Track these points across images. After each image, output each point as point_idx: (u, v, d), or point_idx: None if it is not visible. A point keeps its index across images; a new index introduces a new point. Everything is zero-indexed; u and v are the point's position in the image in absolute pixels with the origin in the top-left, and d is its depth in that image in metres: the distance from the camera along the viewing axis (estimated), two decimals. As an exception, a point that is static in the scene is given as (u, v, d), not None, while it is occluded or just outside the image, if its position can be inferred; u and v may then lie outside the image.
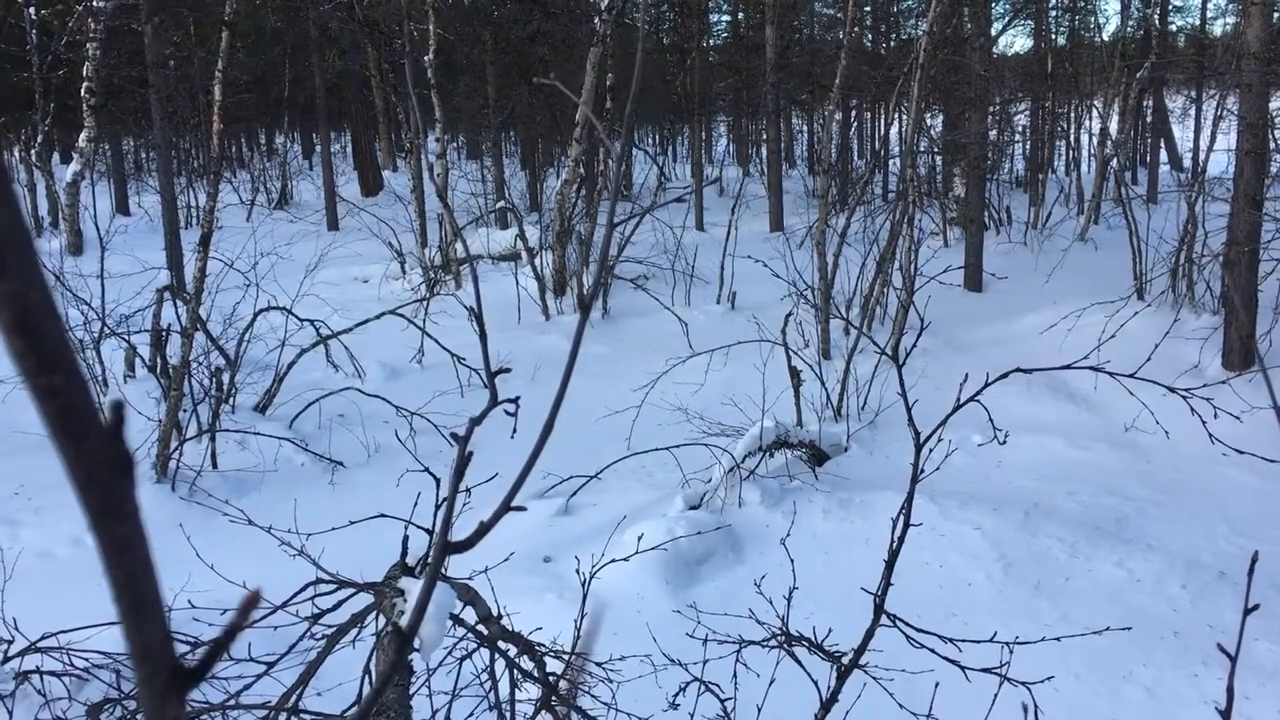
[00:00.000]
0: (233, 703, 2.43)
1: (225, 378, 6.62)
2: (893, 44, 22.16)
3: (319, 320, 7.81)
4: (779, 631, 2.42)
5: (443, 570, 2.23)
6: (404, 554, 2.60)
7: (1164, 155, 21.17)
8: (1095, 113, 16.97)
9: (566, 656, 2.60)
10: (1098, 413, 6.71)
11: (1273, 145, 8.27)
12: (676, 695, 2.52)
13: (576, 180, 11.05)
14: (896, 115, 9.34)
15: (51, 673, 3.44)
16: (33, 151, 16.19)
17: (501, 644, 2.38)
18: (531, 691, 2.50)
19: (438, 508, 2.67)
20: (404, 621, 2.11)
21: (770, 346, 6.83)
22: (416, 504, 2.63)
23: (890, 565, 1.90)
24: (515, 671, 2.43)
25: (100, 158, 19.83)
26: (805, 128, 27.68)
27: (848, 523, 5.11)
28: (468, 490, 1.71)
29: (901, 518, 1.90)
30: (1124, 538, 4.94)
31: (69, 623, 3.51)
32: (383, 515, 3.04)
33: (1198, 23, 23.28)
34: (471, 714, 2.57)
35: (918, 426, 1.91)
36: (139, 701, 0.39)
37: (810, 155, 24.30)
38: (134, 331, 7.31)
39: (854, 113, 21.80)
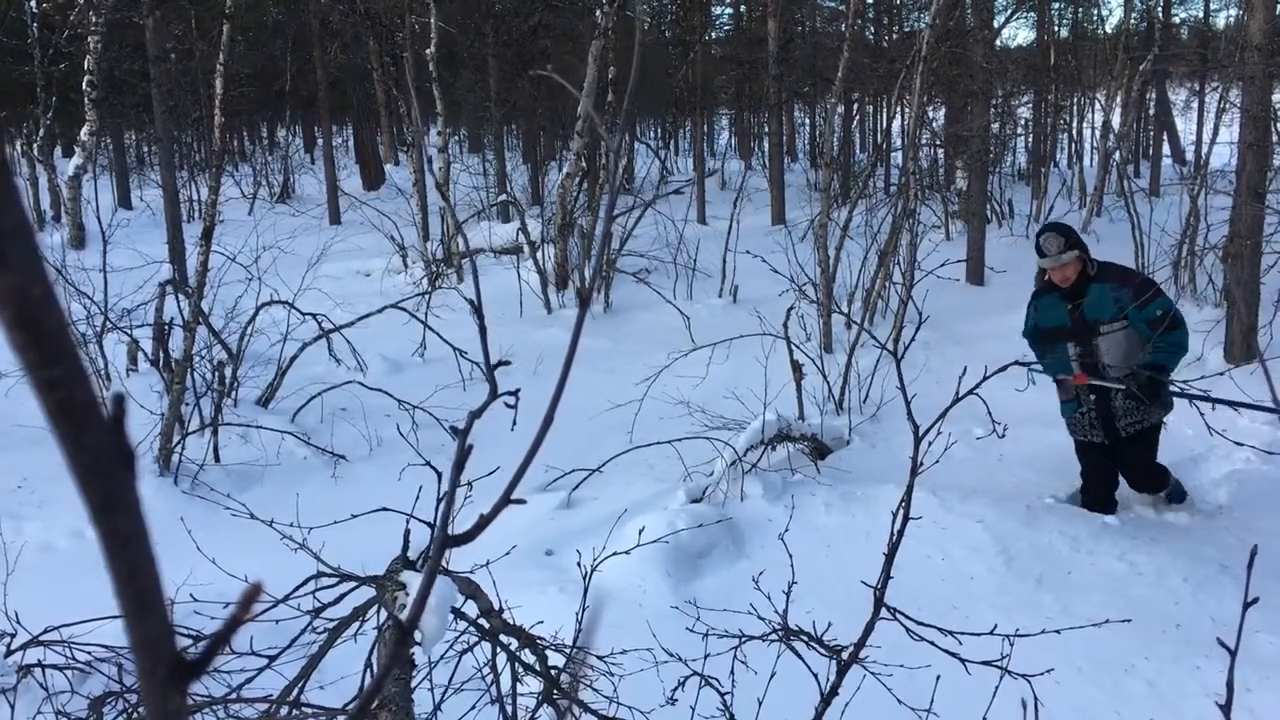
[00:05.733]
0: (234, 696, 2.44)
1: (227, 371, 6.62)
2: (895, 37, 22.12)
3: (321, 314, 7.81)
4: (779, 625, 2.42)
5: (444, 564, 2.24)
6: (405, 547, 2.61)
7: (1166, 148, 21.13)
8: (1098, 105, 16.93)
9: (568, 650, 2.61)
10: (1099, 406, 6.70)
11: (1275, 138, 8.26)
12: (675, 689, 2.52)
13: (578, 174, 11.04)
14: (898, 108, 9.33)
15: (54, 666, 3.45)
16: (34, 145, 16.20)
17: (503, 637, 2.39)
18: (533, 685, 2.50)
19: (439, 501, 2.67)
20: (405, 615, 2.12)
21: (772, 340, 6.82)
22: (418, 498, 2.63)
23: (890, 558, 1.90)
24: (516, 665, 2.44)
25: (102, 151, 19.83)
26: (807, 121, 27.67)
27: (849, 516, 5.11)
28: (469, 484, 1.71)
29: (901, 511, 1.91)
30: (1126, 531, 4.93)
31: (71, 616, 3.52)
32: (384, 509, 3.05)
33: (1201, 15, 23.25)
34: (473, 707, 2.58)
35: (917, 420, 1.91)
36: (141, 694, 0.39)
37: (812, 149, 24.29)
38: (136, 325, 7.31)
39: (856, 106, 21.77)
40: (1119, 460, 5.13)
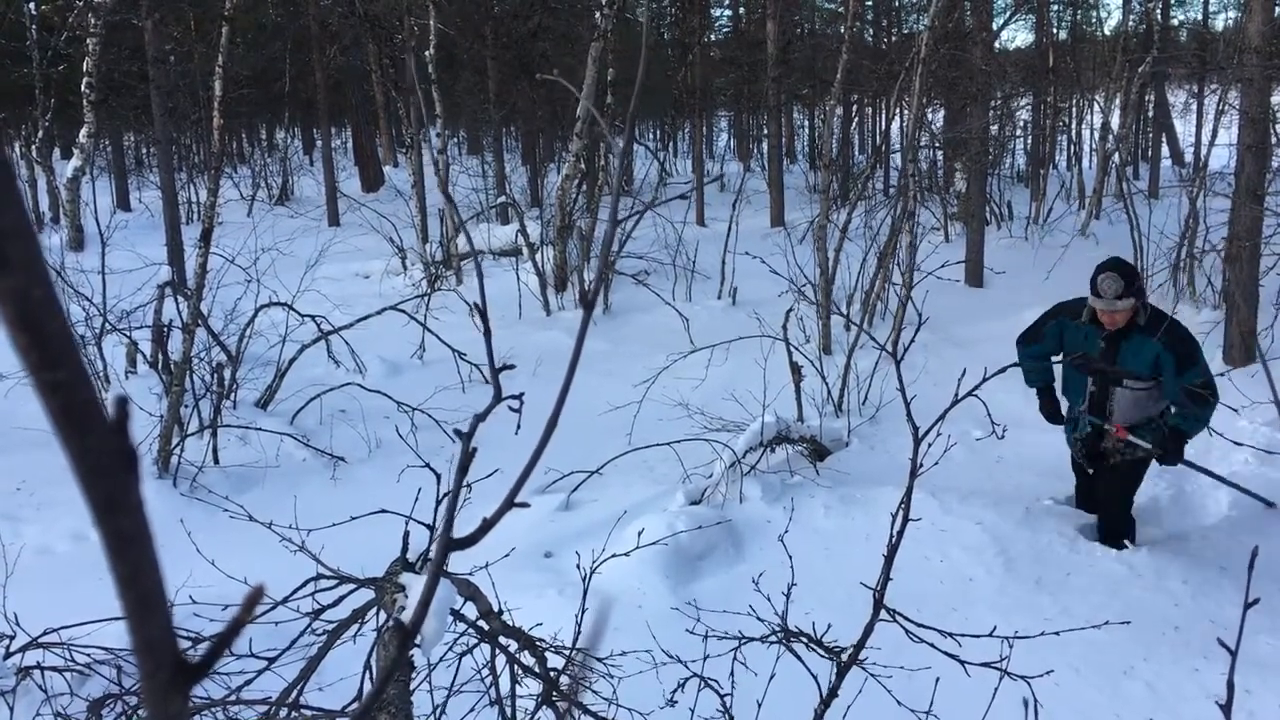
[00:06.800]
0: (234, 698, 2.44)
1: (227, 373, 6.62)
2: (894, 39, 22.14)
3: (320, 316, 7.81)
4: (778, 627, 2.42)
5: (444, 566, 2.23)
6: (405, 550, 2.61)
7: (1165, 150, 21.14)
8: (1097, 107, 16.96)
9: (567, 652, 2.61)
10: (1098, 408, 6.70)
11: (1274, 140, 8.26)
12: (675, 691, 2.52)
13: (577, 176, 11.04)
14: (898, 110, 9.33)
15: (53, 668, 3.44)
16: (33, 147, 16.20)
17: (502, 639, 2.39)
18: (532, 687, 2.50)
19: (438, 503, 2.67)
20: (405, 617, 2.12)
21: (771, 342, 6.82)
22: (417, 500, 2.63)
23: (889, 560, 1.90)
24: (516, 667, 2.44)
25: (101, 153, 19.83)
26: (806, 123, 27.68)
27: (849, 518, 5.11)
28: (468, 486, 1.71)
29: (901, 512, 1.91)
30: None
31: (70, 618, 3.52)
32: (384, 511, 3.05)
33: (1199, 17, 23.27)
34: (472, 709, 2.58)
35: (916, 422, 1.91)
36: (143, 696, 0.39)
37: (811, 151, 24.30)
38: (135, 327, 7.31)
39: (855, 108, 21.79)
40: (1096, 487, 4.99)
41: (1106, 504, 4.93)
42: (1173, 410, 4.65)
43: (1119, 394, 4.66)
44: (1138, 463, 4.78)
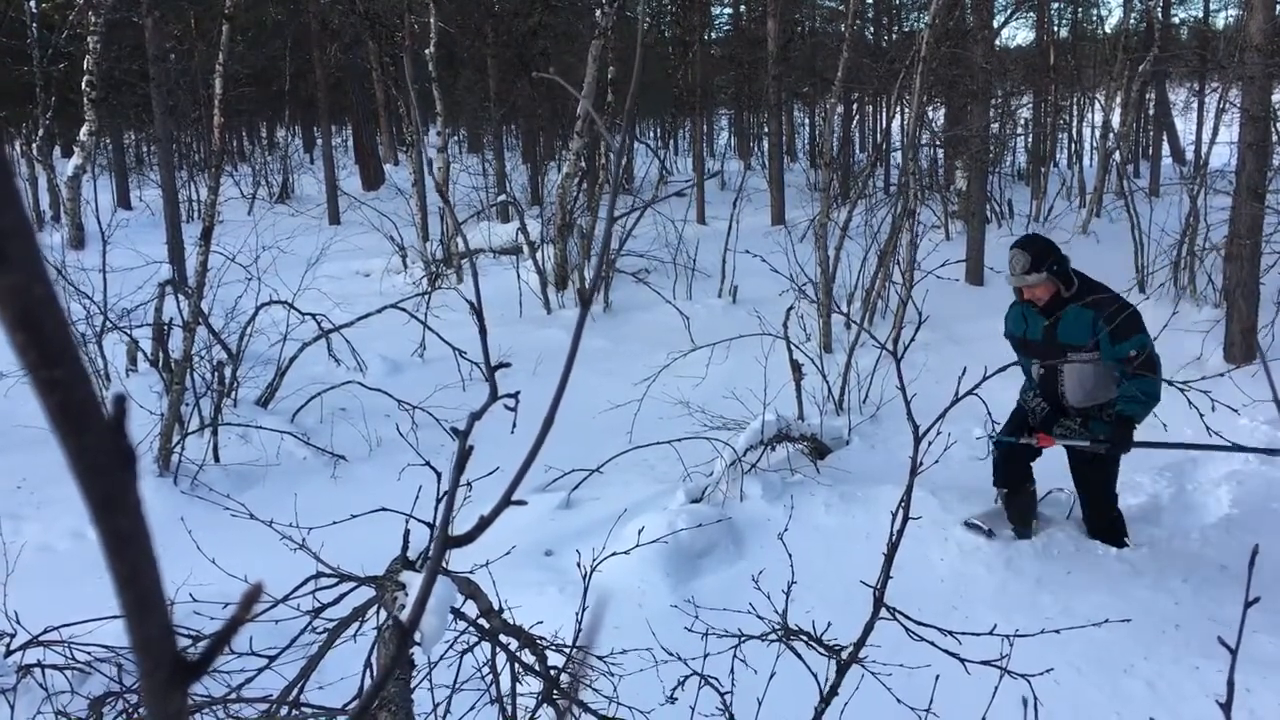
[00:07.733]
0: (234, 696, 2.44)
1: (227, 372, 6.62)
2: (895, 37, 22.14)
3: (320, 314, 7.81)
4: (778, 625, 2.42)
5: (444, 564, 2.24)
6: (405, 548, 2.61)
7: (1166, 148, 21.14)
8: (1097, 105, 16.96)
9: (568, 650, 2.61)
10: (1099, 406, 6.69)
11: (1275, 138, 8.26)
12: (675, 689, 2.52)
13: (578, 174, 11.04)
14: (898, 108, 9.33)
15: (54, 666, 3.44)
16: (34, 145, 16.21)
17: (503, 638, 2.39)
18: (533, 685, 2.50)
19: (438, 502, 2.67)
20: (405, 615, 2.12)
21: (771, 340, 6.82)
22: (418, 498, 2.63)
23: (890, 558, 1.91)
24: (516, 665, 2.44)
25: (101, 151, 19.83)
26: (807, 121, 27.70)
27: (849, 516, 5.11)
28: (469, 484, 1.71)
29: (901, 511, 1.91)
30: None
31: (70, 616, 3.52)
32: (384, 509, 3.04)
33: (1200, 15, 23.28)
34: (473, 708, 2.58)
35: (917, 420, 1.91)
36: (142, 695, 0.39)
37: (812, 149, 24.30)
38: (136, 326, 7.31)
39: (855, 106, 21.78)
40: (1078, 484, 4.87)
41: (1088, 498, 4.87)
42: (1119, 396, 4.51)
43: (1067, 373, 4.57)
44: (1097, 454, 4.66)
